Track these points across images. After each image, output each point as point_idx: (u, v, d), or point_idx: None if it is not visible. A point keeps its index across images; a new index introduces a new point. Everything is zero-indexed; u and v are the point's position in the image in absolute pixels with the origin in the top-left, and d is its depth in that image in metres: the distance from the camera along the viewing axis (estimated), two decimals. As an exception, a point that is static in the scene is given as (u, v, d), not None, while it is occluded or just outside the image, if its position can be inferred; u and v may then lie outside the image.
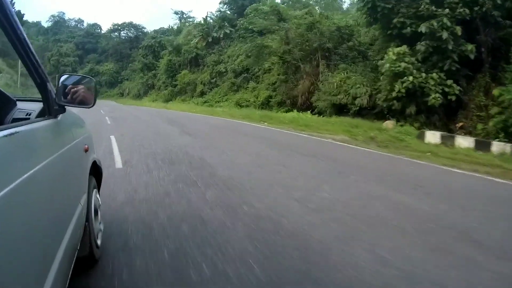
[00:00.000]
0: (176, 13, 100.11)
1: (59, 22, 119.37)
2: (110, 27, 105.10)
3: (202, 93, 47.81)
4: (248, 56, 36.85)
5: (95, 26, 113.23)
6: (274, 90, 33.19)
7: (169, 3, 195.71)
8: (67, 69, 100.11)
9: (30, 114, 2.27)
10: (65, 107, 2.31)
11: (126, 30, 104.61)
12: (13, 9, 1.30)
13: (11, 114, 2.26)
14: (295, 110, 25.66)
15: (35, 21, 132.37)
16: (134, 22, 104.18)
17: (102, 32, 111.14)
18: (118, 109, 34.11)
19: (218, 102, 42.34)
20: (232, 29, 53.65)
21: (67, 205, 2.00)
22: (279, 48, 30.13)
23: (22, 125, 1.48)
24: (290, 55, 29.33)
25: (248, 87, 41.08)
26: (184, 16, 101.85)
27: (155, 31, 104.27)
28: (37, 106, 2.33)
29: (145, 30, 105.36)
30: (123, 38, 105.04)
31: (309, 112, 24.00)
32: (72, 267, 1.95)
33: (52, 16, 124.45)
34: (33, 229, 1.33)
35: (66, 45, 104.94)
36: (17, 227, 1.15)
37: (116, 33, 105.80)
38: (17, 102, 2.41)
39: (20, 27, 1.43)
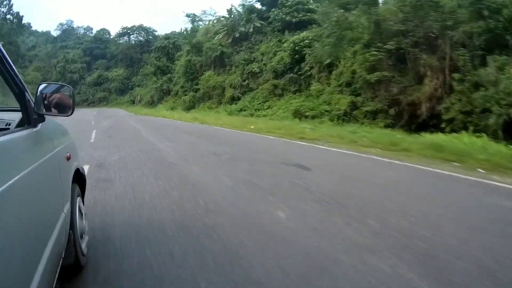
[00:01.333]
0: (188, 15, 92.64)
1: (67, 31, 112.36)
2: (119, 31, 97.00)
3: (233, 99, 38.81)
4: (326, 44, 25.26)
5: (104, 31, 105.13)
6: (357, 94, 23.71)
7: (179, 7, 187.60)
8: (74, 76, 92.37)
9: (9, 124, 2.26)
10: (45, 116, 2.25)
11: (136, 33, 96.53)
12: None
13: None
14: (409, 126, 16.74)
15: (44, 31, 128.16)
16: (144, 25, 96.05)
17: (111, 37, 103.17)
18: (126, 128, 21.24)
19: (259, 110, 33.45)
20: (262, 22, 45.01)
21: (49, 214, 1.98)
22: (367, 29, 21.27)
23: (0, 135, 1.48)
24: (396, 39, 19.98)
25: (299, 90, 32.32)
26: (197, 19, 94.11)
27: (166, 35, 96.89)
28: (17, 116, 2.30)
29: (156, 34, 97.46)
30: (133, 42, 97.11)
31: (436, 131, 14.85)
32: (56, 276, 1.94)
33: (60, 24, 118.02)
34: (14, 239, 1.31)
35: (73, 51, 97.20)
36: None
37: (125, 37, 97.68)
38: None
39: None
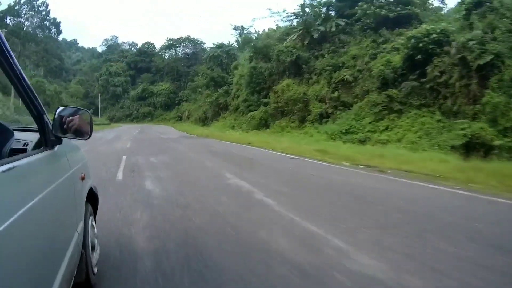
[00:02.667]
0: (235, 28, 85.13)
1: (112, 46, 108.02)
2: (165, 43, 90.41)
3: (322, 116, 29.36)
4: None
5: (148, 44, 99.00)
6: None
7: (225, 19, 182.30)
8: (117, 90, 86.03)
9: (27, 145, 2.26)
10: (62, 138, 2.24)
11: (183, 45, 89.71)
12: (7, 44, 1.29)
13: (8, 144, 2.17)
14: None
15: (90, 47, 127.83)
16: (191, 37, 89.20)
17: (156, 50, 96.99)
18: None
19: (373, 132, 23.76)
20: (346, 20, 35.68)
21: (64, 234, 2.00)
22: None
23: (19, 158, 1.49)
24: None
25: (426, 104, 22.30)
26: (245, 31, 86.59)
27: (218, 43, 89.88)
28: (34, 136, 2.30)
29: (204, 46, 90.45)
30: (179, 55, 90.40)
31: None
32: None
33: (106, 40, 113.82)
34: (32, 260, 1.34)
35: (117, 64, 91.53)
36: (16, 258, 1.17)
37: (171, 50, 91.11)
38: (15, 132, 2.33)
39: (16, 61, 1.41)
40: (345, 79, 29.96)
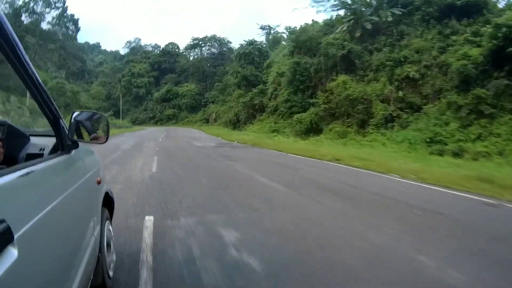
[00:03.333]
0: (262, 28, 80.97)
1: (135, 48, 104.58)
2: (190, 43, 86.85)
3: (387, 120, 24.50)
4: None
5: (172, 45, 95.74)
6: None
7: (251, 19, 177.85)
8: (140, 91, 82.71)
9: (43, 150, 2.27)
10: (78, 142, 2.24)
11: (208, 45, 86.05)
12: (24, 51, 1.27)
13: (25, 149, 2.24)
14: None
15: (113, 50, 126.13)
16: (217, 36, 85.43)
17: (180, 51, 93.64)
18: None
19: (464, 141, 18.75)
20: (402, 10, 31.04)
21: (82, 238, 1.98)
22: None
23: (36, 163, 1.50)
24: None
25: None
26: (272, 31, 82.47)
27: (249, 40, 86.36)
28: (50, 141, 2.29)
29: (231, 45, 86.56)
30: (205, 55, 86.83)
31: None
32: None
33: (128, 42, 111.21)
34: (51, 264, 1.36)
35: (140, 65, 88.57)
36: (35, 262, 1.18)
37: (196, 50, 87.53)
38: (30, 137, 2.39)
39: (32, 66, 1.38)
40: (411, 76, 25.41)
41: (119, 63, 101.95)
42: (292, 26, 59.04)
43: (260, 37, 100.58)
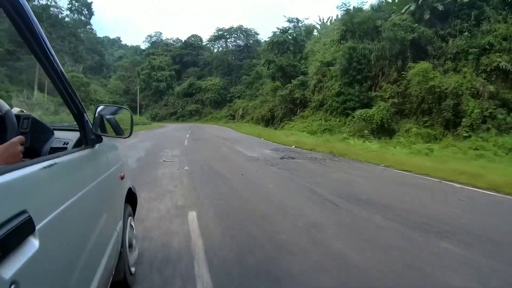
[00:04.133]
0: (289, 21, 74.43)
1: (156, 42, 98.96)
2: (214, 34, 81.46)
3: (482, 121, 18.56)
4: None
5: (195, 37, 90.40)
6: None
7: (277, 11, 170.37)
8: (161, 85, 77.54)
9: (67, 144, 2.27)
10: (102, 136, 2.25)
11: (234, 36, 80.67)
12: (49, 44, 1.27)
13: (48, 143, 2.22)
14: None
15: (134, 45, 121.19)
16: (244, 26, 79.79)
17: (203, 44, 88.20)
18: None
19: None
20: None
21: (103, 233, 1.97)
22: None
23: (60, 156, 1.50)
24: None
25: None
26: (300, 24, 76.51)
27: (283, 28, 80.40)
28: (74, 135, 2.32)
29: (258, 37, 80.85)
30: (230, 47, 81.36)
31: None
32: None
33: (149, 36, 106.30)
34: (72, 256, 1.36)
35: (160, 58, 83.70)
36: (55, 254, 1.18)
37: (221, 42, 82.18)
38: (55, 131, 2.36)
39: (57, 60, 1.39)
40: (501, 67, 19.53)
41: (139, 57, 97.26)
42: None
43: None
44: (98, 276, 1.67)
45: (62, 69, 1.47)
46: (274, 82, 39.04)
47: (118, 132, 2.44)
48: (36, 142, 2.12)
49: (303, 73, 38.75)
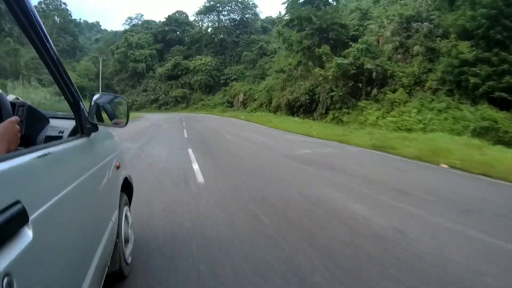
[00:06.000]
0: (284, 2, 61.01)
1: (137, 25, 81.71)
2: (203, 5, 65.51)
3: None
4: None
5: (180, 14, 73.59)
6: None
7: None
8: (139, 66, 60.79)
9: (62, 132, 2.21)
10: (98, 126, 2.11)
11: (228, 9, 64.89)
12: (45, 29, 1.21)
13: (44, 131, 2.17)
14: None
15: (114, 30, 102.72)
16: (240, -3, 63.93)
17: (191, 20, 71.62)
18: None
19: None
20: None
21: (99, 223, 1.93)
22: None
23: (55, 145, 1.45)
24: None
25: None
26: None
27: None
28: (70, 124, 2.25)
29: (257, 10, 65.55)
30: (224, 22, 65.45)
31: None
32: (102, 283, 1.88)
33: (129, 18, 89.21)
34: (66, 247, 1.32)
35: (139, 35, 67.72)
36: (50, 245, 1.15)
37: (213, 15, 66.17)
38: (50, 120, 2.30)
39: (53, 47, 1.34)
40: None
41: (117, 40, 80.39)
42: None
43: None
44: (93, 266, 1.61)
45: (58, 56, 1.40)
46: (320, 48, 23.57)
47: (114, 121, 2.28)
48: (31, 130, 2.05)
49: (352, 39, 24.00)
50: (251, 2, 63.62)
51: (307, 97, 24.53)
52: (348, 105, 20.49)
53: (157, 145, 10.57)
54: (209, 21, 66.46)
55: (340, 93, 20.66)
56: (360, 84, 20.32)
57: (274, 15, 69.70)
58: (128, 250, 2.73)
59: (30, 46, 1.25)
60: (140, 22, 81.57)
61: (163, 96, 56.88)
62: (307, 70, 25.15)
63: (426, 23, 19.28)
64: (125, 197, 2.85)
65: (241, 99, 43.85)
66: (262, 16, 68.42)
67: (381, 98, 18.90)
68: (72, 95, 1.72)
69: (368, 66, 19.39)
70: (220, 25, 63.41)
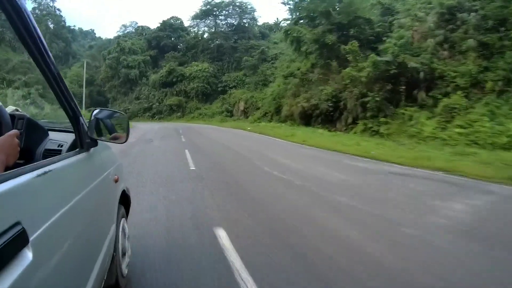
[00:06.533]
0: (284, 3, 57.74)
1: (131, 32, 78.69)
2: (200, 9, 61.73)
3: None
4: None
5: (175, 19, 69.79)
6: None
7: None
8: (132, 72, 56.73)
9: (61, 146, 2.14)
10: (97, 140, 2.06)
11: (225, 14, 61.21)
12: (46, 43, 1.19)
13: (43, 144, 2.09)
14: None
15: (109, 38, 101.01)
16: (237, 1, 60.33)
17: (186, 25, 67.75)
18: None
19: None
20: None
21: (97, 238, 1.87)
22: None
23: (55, 161, 1.41)
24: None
25: None
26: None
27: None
28: (68, 137, 2.19)
29: (256, 15, 62.07)
30: (221, 27, 61.66)
31: None
32: None
33: (124, 26, 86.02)
34: (65, 265, 1.29)
35: (132, 40, 63.93)
36: (49, 264, 1.13)
37: (209, 20, 62.39)
38: (49, 132, 2.24)
39: (53, 61, 1.31)
40: None
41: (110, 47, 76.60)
42: None
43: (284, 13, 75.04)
44: (91, 282, 1.58)
45: (59, 71, 1.39)
46: (348, 46, 19.50)
47: (114, 136, 2.23)
48: (30, 143, 1.97)
49: (377, 37, 20.37)
50: (249, 6, 59.98)
51: (330, 104, 20.59)
52: (386, 113, 16.56)
53: (134, 203, 6.50)
54: (205, 26, 62.70)
55: (377, 98, 16.68)
56: (401, 87, 16.40)
57: (271, 21, 66.80)
58: (124, 263, 2.61)
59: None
60: (133, 29, 77.84)
61: (157, 104, 52.76)
62: (327, 71, 21.27)
63: (474, 13, 15.65)
64: (122, 209, 2.73)
65: (241, 108, 40.01)
66: (260, 22, 65.04)
67: (430, 104, 15.05)
68: (72, 110, 1.69)
69: (412, 64, 15.51)
70: (217, 30, 59.68)
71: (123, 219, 2.75)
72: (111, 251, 2.23)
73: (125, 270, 2.61)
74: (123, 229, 2.70)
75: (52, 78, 1.36)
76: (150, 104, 53.29)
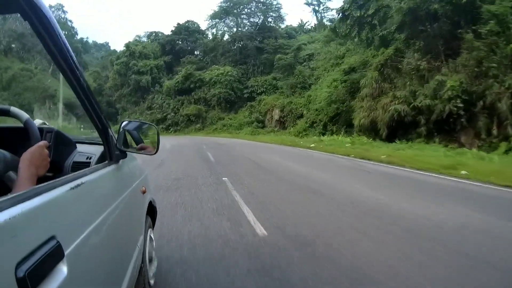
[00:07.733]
0: (308, 3, 51.70)
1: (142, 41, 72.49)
2: (218, 7, 54.35)
3: None
4: None
5: (191, 23, 62.70)
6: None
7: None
8: (143, 79, 48.74)
9: (90, 158, 2.05)
10: (126, 152, 2.03)
11: (246, 12, 53.76)
12: (75, 57, 1.18)
13: (71, 157, 2.04)
14: None
15: (122, 49, 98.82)
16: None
17: (203, 28, 60.55)
18: None
19: None
20: None
21: (126, 250, 1.85)
22: None
23: (86, 174, 1.40)
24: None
25: None
26: (321, 8, 51.98)
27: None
28: (96, 149, 2.11)
29: (281, 11, 54.80)
30: (244, 26, 54.23)
31: None
32: None
33: (138, 36, 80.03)
34: (97, 279, 1.29)
35: (144, 43, 57.00)
36: (83, 278, 1.11)
37: (228, 20, 54.96)
38: (77, 145, 2.20)
39: (83, 75, 1.30)
40: None
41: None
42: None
43: (308, 15, 67.36)
44: None
45: (88, 83, 1.38)
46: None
47: (141, 147, 2.20)
48: (59, 156, 1.95)
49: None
50: (274, 2, 52.37)
51: (458, 105, 12.27)
52: None
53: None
54: (225, 26, 55.26)
55: None
56: None
57: (295, 23, 60.00)
58: (151, 273, 2.58)
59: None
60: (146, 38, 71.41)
61: (172, 114, 45.17)
62: (436, 55, 13.10)
63: None
64: (149, 220, 2.72)
65: (276, 117, 32.15)
66: (287, 20, 57.69)
67: None
68: (101, 123, 1.68)
69: None
70: (239, 30, 52.11)
71: (150, 230, 2.68)
72: (139, 262, 2.15)
73: (151, 280, 2.54)
74: (151, 239, 2.67)
75: (81, 90, 1.33)
76: (164, 114, 45.71)
